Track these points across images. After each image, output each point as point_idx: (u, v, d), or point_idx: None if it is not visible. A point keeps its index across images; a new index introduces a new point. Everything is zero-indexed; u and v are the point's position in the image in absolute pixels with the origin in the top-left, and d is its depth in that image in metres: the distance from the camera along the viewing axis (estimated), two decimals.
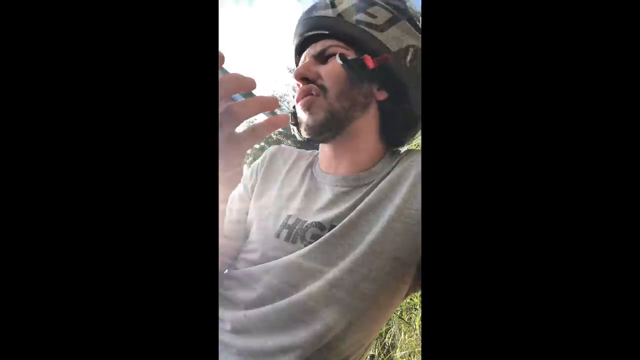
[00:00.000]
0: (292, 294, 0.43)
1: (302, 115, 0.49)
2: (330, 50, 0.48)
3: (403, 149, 0.57)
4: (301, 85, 0.49)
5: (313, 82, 0.48)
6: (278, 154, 0.61)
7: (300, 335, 0.40)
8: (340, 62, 0.45)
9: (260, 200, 0.54)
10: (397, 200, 0.45)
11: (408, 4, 0.50)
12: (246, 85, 0.30)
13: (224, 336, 0.44)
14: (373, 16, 0.46)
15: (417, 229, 0.42)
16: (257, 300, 0.44)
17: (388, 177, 0.48)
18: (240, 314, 0.44)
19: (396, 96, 0.49)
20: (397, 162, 0.50)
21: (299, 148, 0.65)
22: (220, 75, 0.30)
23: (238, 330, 0.44)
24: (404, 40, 0.47)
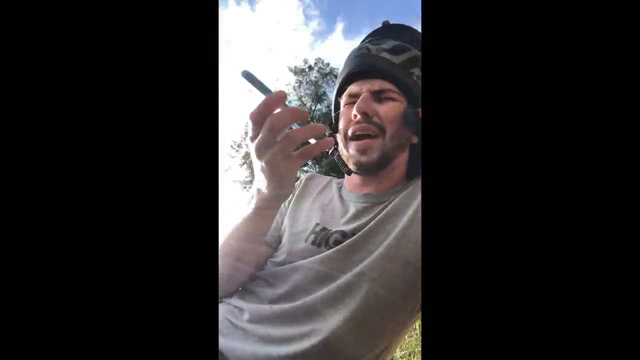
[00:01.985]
0: (314, 293, 0.46)
1: (355, 153, 0.55)
2: (389, 95, 0.55)
3: None
4: (358, 116, 0.54)
5: (370, 118, 0.54)
6: (314, 178, 0.70)
7: (316, 327, 0.43)
8: (405, 119, 0.54)
9: (294, 211, 0.62)
10: (410, 211, 0.49)
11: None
12: (301, 117, 0.38)
13: (245, 325, 0.47)
14: (417, 68, 0.54)
15: None
16: (282, 296, 0.48)
17: (403, 193, 0.53)
18: (265, 306, 0.48)
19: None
20: (414, 180, 0.56)
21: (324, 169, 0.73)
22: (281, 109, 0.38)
23: (260, 320, 0.47)
24: None
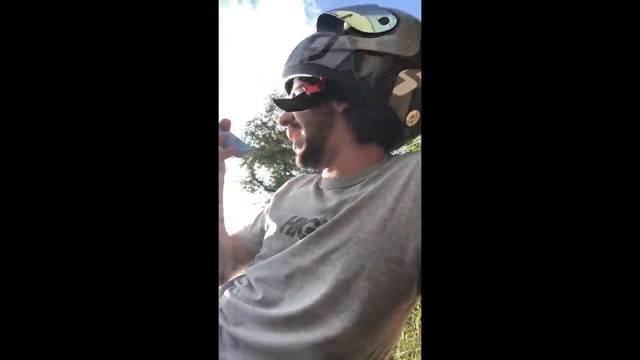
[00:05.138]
0: (290, 292, 0.45)
1: (295, 149, 0.59)
2: (297, 86, 0.57)
3: (401, 150, 0.59)
4: (284, 127, 0.60)
5: (292, 121, 0.58)
6: (298, 179, 0.69)
7: (303, 337, 0.41)
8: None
9: (275, 209, 0.63)
10: (390, 199, 0.45)
11: (344, 22, 0.55)
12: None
13: (235, 331, 0.46)
14: (313, 49, 0.54)
15: (411, 228, 0.42)
16: (263, 300, 0.47)
17: (383, 177, 0.49)
18: (249, 307, 0.47)
19: (354, 102, 0.55)
20: (394, 163, 0.52)
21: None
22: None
23: (247, 326, 0.46)
24: (342, 54, 0.53)
